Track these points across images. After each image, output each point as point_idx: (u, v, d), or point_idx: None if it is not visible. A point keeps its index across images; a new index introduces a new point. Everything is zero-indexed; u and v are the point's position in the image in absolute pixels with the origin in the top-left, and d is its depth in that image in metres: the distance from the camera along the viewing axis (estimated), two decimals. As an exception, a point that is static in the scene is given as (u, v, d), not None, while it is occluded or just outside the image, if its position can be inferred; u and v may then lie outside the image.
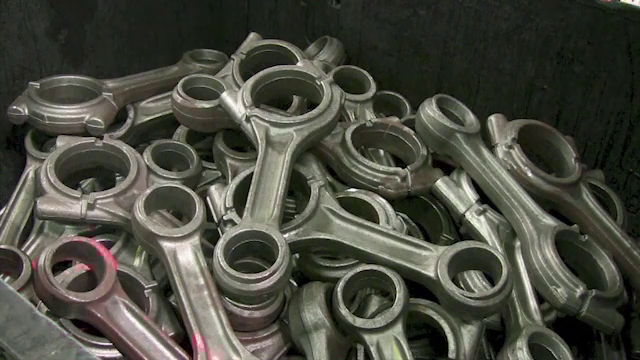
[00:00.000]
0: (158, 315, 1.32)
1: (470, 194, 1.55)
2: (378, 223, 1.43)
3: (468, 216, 1.53)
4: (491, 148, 1.59)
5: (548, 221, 1.47)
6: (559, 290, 1.38)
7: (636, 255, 1.53)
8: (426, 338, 1.42)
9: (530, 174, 1.54)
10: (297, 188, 1.51)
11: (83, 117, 1.65)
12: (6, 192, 1.67)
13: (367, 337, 1.26)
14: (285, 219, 1.38)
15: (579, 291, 1.37)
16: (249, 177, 1.41)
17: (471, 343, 1.29)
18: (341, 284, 1.31)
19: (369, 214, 1.47)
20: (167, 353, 1.22)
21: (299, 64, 1.61)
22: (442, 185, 1.57)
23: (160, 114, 1.78)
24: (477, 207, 1.53)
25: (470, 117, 1.63)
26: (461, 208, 1.54)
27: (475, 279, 1.46)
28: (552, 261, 1.40)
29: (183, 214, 1.46)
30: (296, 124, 1.46)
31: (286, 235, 1.33)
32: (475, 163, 1.55)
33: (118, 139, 1.60)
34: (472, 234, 1.53)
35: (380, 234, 1.37)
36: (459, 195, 1.56)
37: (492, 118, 1.63)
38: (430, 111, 1.58)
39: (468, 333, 1.30)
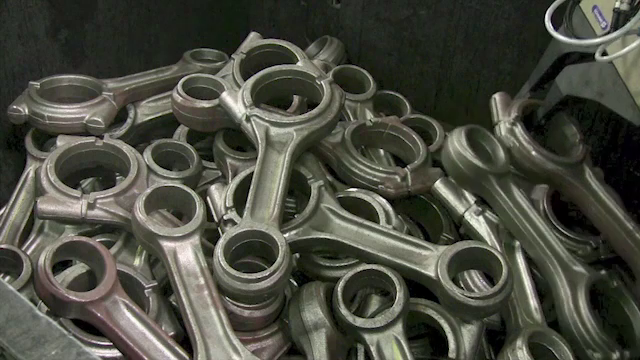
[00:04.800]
0: (158, 315, 1.32)
1: (469, 195, 1.54)
2: (378, 223, 1.43)
3: (467, 217, 1.53)
4: (493, 126, 1.56)
5: (579, 269, 1.44)
6: (595, 355, 1.36)
7: (638, 238, 1.48)
8: (426, 338, 1.42)
9: (533, 152, 1.51)
10: (297, 188, 1.51)
11: (83, 117, 1.65)
12: (6, 192, 1.67)
13: (367, 337, 1.26)
14: (285, 219, 1.38)
15: (615, 356, 1.35)
16: (249, 177, 1.41)
17: (471, 343, 1.29)
18: (341, 284, 1.31)
19: (369, 214, 1.47)
20: (167, 353, 1.22)
21: (299, 64, 1.61)
22: (441, 186, 1.56)
23: (160, 114, 1.78)
24: (476, 207, 1.52)
25: (501, 153, 1.54)
26: (460, 209, 1.54)
27: (475, 279, 1.46)
28: (589, 324, 1.37)
29: (183, 214, 1.46)
30: (296, 124, 1.46)
31: (286, 235, 1.33)
32: (507, 207, 1.50)
33: (118, 139, 1.60)
34: (471, 234, 1.53)
35: (380, 234, 1.37)
36: (458, 196, 1.55)
37: (496, 96, 1.61)
38: (460, 148, 1.49)
39: (468, 333, 1.30)
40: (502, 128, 1.55)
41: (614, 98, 1.34)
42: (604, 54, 1.28)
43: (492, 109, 1.60)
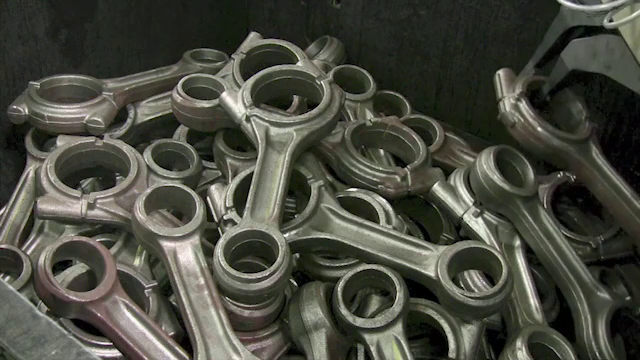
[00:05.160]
0: (158, 315, 1.32)
1: (467, 196, 1.54)
2: (378, 223, 1.43)
3: (466, 218, 1.52)
4: (497, 102, 1.54)
5: (603, 295, 1.43)
6: None
7: None
8: (426, 338, 1.42)
9: (539, 128, 1.49)
10: (297, 188, 1.51)
11: (83, 117, 1.65)
12: (6, 192, 1.67)
13: (367, 337, 1.26)
14: (285, 219, 1.38)
15: None
16: (249, 177, 1.41)
17: (471, 343, 1.29)
18: (341, 284, 1.31)
19: (369, 214, 1.47)
20: (167, 353, 1.22)
21: (299, 64, 1.61)
22: (439, 190, 1.56)
23: (160, 114, 1.78)
24: (474, 209, 1.52)
25: (530, 174, 1.52)
26: (459, 211, 1.53)
27: (475, 279, 1.45)
28: (606, 352, 1.37)
29: (183, 214, 1.46)
30: (296, 124, 1.46)
31: (286, 235, 1.33)
32: (532, 230, 1.48)
33: (118, 139, 1.60)
34: (471, 236, 1.52)
35: (380, 234, 1.37)
36: (456, 198, 1.55)
37: (500, 72, 1.58)
38: (488, 170, 1.47)
39: (468, 333, 1.30)
40: (506, 104, 1.52)
41: (622, 70, 1.30)
42: (611, 22, 1.23)
43: (496, 85, 1.57)
